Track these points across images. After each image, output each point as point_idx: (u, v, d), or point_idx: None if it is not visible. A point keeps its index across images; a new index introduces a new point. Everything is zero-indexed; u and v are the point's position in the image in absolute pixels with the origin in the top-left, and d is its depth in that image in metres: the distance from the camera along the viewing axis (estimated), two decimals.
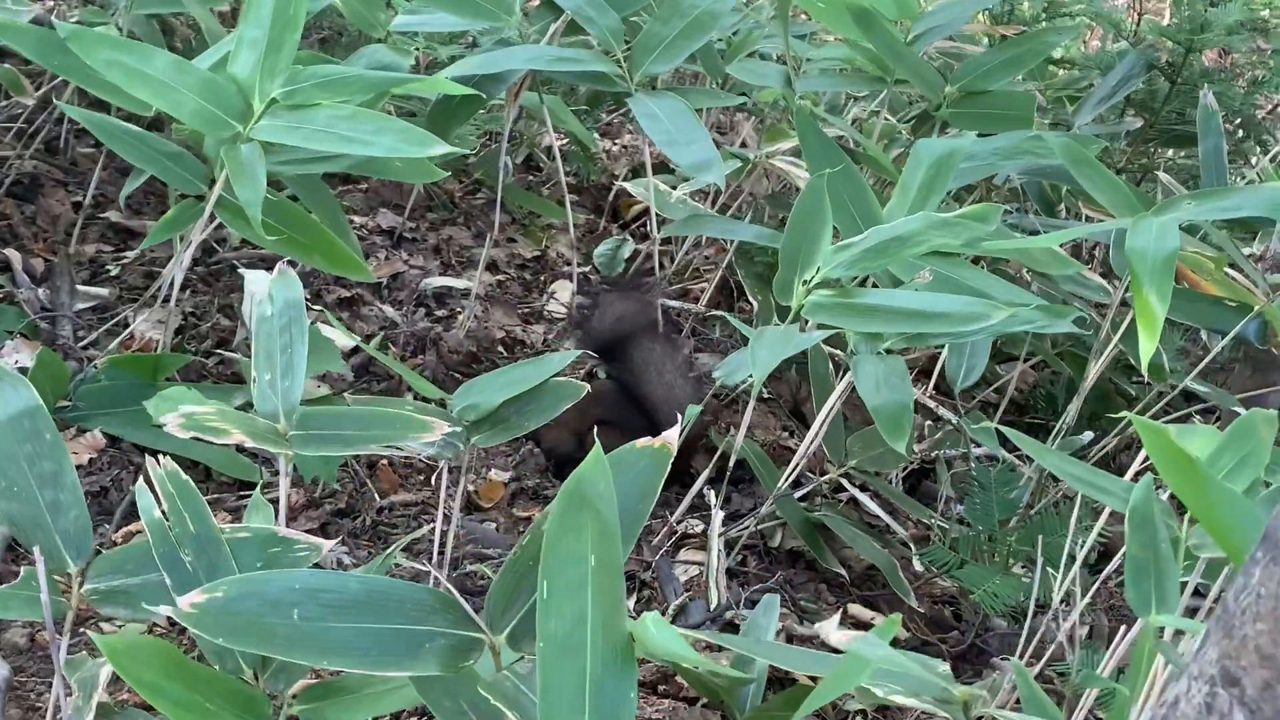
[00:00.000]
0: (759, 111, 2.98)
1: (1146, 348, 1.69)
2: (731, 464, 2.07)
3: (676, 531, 2.10)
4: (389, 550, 1.23)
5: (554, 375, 1.74)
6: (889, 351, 1.85)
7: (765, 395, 2.59)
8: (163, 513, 1.24)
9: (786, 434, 2.48)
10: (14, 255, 2.33)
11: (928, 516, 2.25)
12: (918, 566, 2.08)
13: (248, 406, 1.39)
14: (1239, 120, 3.25)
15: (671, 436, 1.23)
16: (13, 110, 2.62)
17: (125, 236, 2.71)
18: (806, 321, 1.87)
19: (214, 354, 2.34)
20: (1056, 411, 2.31)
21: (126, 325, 2.37)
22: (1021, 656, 2.00)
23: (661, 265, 3.09)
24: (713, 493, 2.02)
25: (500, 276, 2.88)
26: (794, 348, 1.77)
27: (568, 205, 2.70)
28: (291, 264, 1.49)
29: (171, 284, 2.10)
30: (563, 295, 2.88)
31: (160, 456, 1.28)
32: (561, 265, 3.03)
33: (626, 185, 2.79)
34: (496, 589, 1.16)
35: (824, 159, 2.21)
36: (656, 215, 2.89)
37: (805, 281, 1.78)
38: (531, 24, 2.39)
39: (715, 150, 2.15)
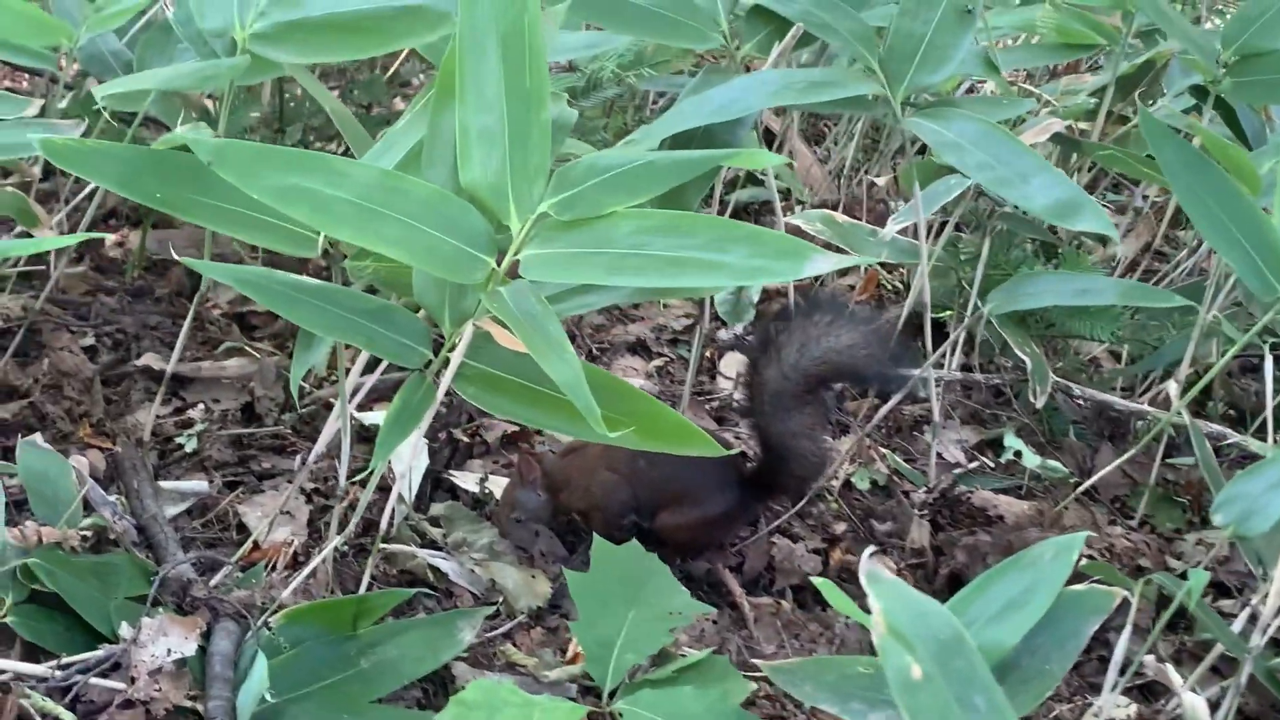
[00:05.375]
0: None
1: None
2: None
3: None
4: None
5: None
6: None
7: (1066, 477, 2.03)
8: None
9: (1112, 525, 1.92)
10: (81, 462, 1.63)
11: None
12: None
13: None
14: None
15: None
16: None
17: (174, 386, 2.01)
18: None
19: (376, 545, 1.68)
20: None
21: (240, 526, 1.71)
22: None
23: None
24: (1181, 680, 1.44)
25: (657, 361, 2.26)
26: None
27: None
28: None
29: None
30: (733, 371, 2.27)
31: None
32: (715, 327, 2.40)
33: (797, 220, 2.14)
34: None
35: (1188, 175, 1.66)
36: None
37: None
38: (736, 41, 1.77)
39: (1075, 185, 1.56)
